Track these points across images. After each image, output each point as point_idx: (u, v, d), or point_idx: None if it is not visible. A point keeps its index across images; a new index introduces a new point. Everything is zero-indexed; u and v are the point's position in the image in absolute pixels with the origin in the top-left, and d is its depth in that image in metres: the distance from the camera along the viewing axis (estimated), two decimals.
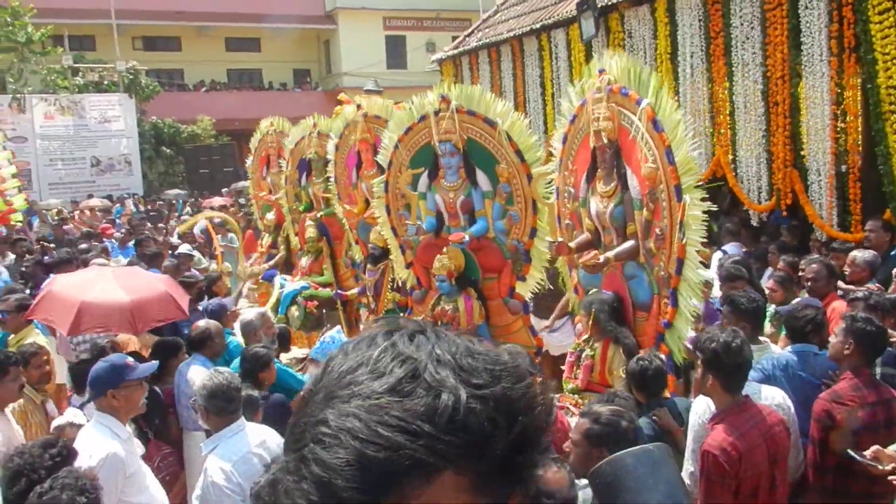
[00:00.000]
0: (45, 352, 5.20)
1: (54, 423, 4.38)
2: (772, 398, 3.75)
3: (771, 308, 5.56)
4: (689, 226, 4.44)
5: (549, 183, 5.81)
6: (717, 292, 6.23)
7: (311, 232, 9.08)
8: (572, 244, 5.48)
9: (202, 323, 5.38)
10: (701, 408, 3.70)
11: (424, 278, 6.73)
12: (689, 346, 4.54)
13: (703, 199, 4.47)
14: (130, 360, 3.95)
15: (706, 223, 4.54)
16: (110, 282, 5.67)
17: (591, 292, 5.36)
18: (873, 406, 3.66)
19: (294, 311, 8.44)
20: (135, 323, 5.37)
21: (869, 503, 3.72)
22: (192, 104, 29.42)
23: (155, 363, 4.33)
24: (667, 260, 4.64)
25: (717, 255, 7.39)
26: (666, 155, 4.46)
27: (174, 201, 22.94)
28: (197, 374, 4.80)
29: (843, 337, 3.76)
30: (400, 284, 7.40)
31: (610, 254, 4.98)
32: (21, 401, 4.53)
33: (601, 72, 4.90)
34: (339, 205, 8.33)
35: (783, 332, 5.12)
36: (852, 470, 3.63)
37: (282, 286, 8.85)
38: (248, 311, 6.12)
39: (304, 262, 9.18)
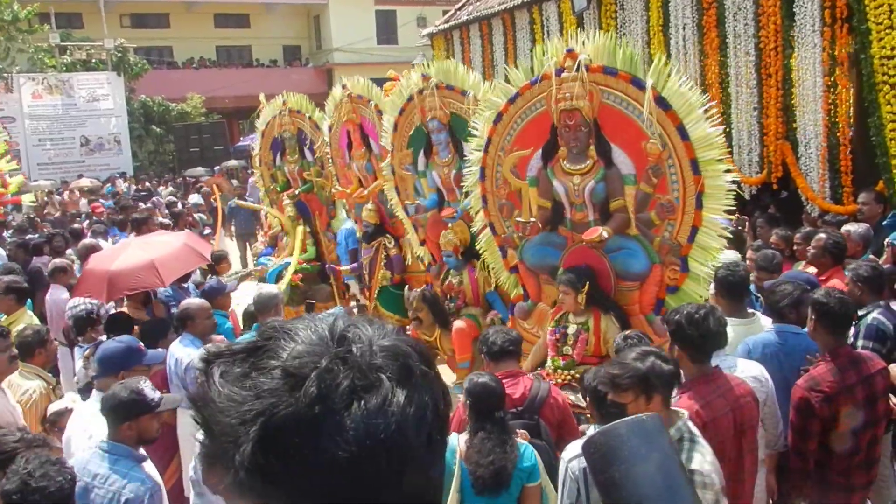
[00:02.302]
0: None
1: (52, 408, 4.33)
2: (748, 371, 3.71)
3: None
4: (709, 196, 4.66)
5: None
6: None
7: (289, 211, 9.06)
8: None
9: (185, 302, 5.40)
10: None
11: (436, 254, 6.86)
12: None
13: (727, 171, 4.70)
14: (142, 344, 3.97)
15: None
16: (117, 251, 6.40)
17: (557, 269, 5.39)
18: (853, 387, 3.58)
19: (280, 286, 8.43)
20: (109, 292, 5.79)
21: (848, 485, 3.74)
22: (181, 82, 29.12)
23: (163, 352, 4.34)
24: (677, 229, 4.83)
25: None
26: (678, 131, 4.61)
27: (199, 179, 22.58)
28: (184, 354, 4.77)
29: (809, 312, 3.69)
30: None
31: (608, 228, 5.05)
32: (43, 384, 4.53)
33: (570, 52, 4.93)
34: (334, 186, 8.37)
35: None
36: (831, 456, 3.66)
37: (264, 265, 8.89)
38: (266, 286, 6.12)
39: (286, 240, 9.16)
